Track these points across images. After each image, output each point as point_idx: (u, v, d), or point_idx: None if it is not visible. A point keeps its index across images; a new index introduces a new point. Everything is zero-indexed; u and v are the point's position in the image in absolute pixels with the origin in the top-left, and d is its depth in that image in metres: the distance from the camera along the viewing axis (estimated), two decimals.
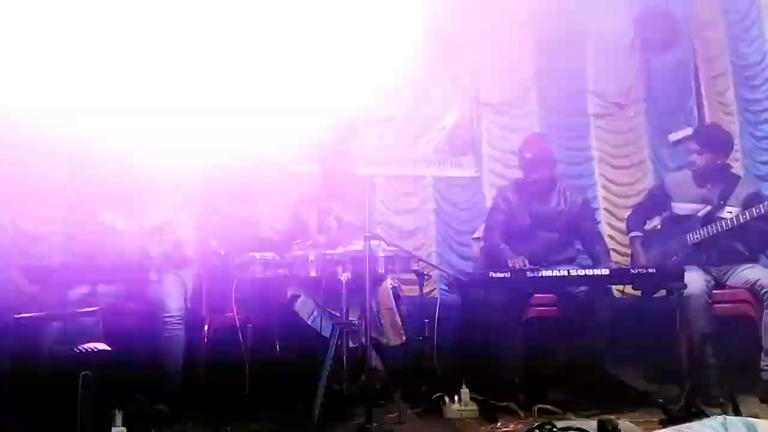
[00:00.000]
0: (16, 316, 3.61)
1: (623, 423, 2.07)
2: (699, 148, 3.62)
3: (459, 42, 4.89)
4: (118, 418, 2.63)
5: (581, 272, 3.16)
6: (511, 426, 2.76)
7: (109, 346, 2.16)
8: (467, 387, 3.08)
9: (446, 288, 4.36)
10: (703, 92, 4.95)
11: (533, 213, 3.70)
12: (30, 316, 2.37)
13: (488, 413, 2.97)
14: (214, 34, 4.01)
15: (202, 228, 4.39)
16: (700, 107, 5.01)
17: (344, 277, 2.90)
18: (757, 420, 1.44)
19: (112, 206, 3.64)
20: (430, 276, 4.07)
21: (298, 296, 3.21)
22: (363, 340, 2.91)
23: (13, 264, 4.06)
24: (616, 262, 3.88)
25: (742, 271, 3.46)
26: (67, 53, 4.00)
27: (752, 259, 3.55)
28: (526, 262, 3.43)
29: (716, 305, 3.38)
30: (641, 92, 5.06)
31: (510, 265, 3.39)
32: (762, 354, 3.27)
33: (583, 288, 3.38)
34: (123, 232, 3.60)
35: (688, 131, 4.84)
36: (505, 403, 3.05)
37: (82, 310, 2.61)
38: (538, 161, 3.67)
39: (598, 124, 5.02)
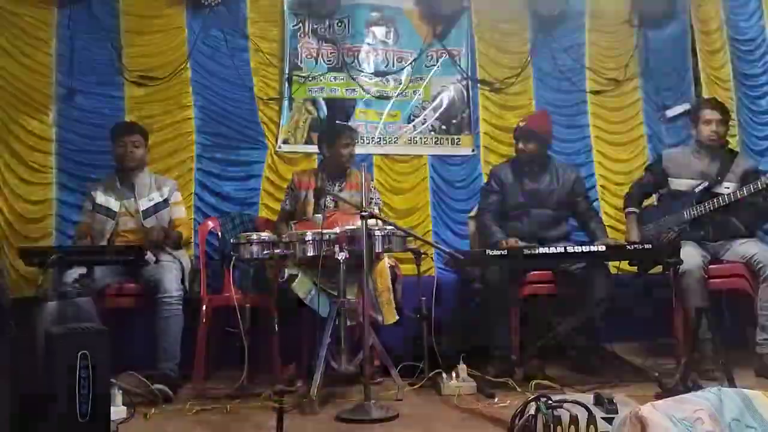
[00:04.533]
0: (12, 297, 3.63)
1: (619, 396, 2.09)
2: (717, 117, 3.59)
3: (455, 19, 4.84)
4: (118, 397, 2.66)
5: (578, 249, 3.17)
6: (508, 402, 2.78)
7: (106, 326, 2.16)
8: (464, 364, 3.11)
9: (443, 266, 4.37)
10: (700, 67, 4.93)
11: (527, 191, 3.70)
12: (26, 297, 2.37)
13: (485, 389, 2.99)
14: None
15: (199, 208, 4.40)
16: (697, 82, 4.99)
17: (341, 256, 2.91)
18: (751, 391, 1.45)
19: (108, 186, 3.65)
20: (427, 254, 4.07)
21: (296, 276, 3.22)
22: (360, 318, 2.92)
23: (9, 246, 4.08)
24: (613, 239, 3.88)
25: (738, 246, 3.48)
26: None
27: (748, 235, 3.56)
28: (518, 241, 3.44)
29: (712, 280, 3.39)
30: (638, 68, 5.03)
31: (500, 246, 3.40)
32: (757, 328, 3.29)
33: (579, 265, 3.40)
34: (119, 213, 3.60)
35: (686, 107, 4.83)
36: (502, 380, 3.08)
37: (79, 291, 2.61)
38: (530, 132, 3.67)
39: (595, 100, 4.99)
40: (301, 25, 4.67)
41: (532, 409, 1.83)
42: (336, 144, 3.71)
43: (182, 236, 3.73)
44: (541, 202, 3.70)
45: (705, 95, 4.73)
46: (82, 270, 3.07)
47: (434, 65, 4.84)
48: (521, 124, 3.76)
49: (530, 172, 3.73)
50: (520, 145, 3.71)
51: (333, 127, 4.03)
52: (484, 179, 4.63)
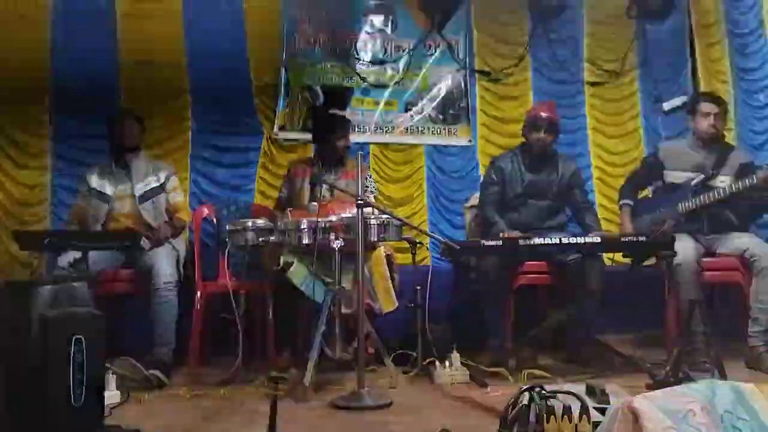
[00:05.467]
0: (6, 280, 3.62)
1: (611, 387, 2.10)
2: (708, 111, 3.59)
3: (454, 8, 4.82)
4: (112, 382, 2.66)
5: (573, 240, 3.17)
6: (501, 391, 2.80)
7: (100, 311, 2.16)
8: (458, 353, 3.12)
9: (438, 256, 4.37)
10: (698, 60, 4.93)
11: (527, 182, 3.70)
12: (20, 281, 2.36)
13: (478, 378, 3.00)
14: None
15: (195, 195, 4.39)
16: (694, 75, 4.99)
17: (337, 244, 2.91)
18: (743, 383, 1.46)
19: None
20: (422, 244, 4.08)
21: (291, 263, 3.22)
22: (355, 306, 2.93)
23: (4, 230, 4.06)
24: (608, 230, 3.89)
25: (732, 239, 3.49)
26: None
27: (743, 228, 3.57)
28: (518, 233, 3.45)
29: (706, 273, 3.40)
30: (636, 60, 5.03)
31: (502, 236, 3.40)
32: (749, 321, 3.31)
33: (574, 256, 3.40)
34: (114, 196, 3.59)
35: (683, 99, 4.83)
36: (495, 369, 3.09)
37: (73, 275, 2.60)
38: (552, 123, 3.67)
39: (592, 92, 4.99)
40: (298, 11, 4.64)
41: (525, 399, 1.83)
42: (329, 138, 3.69)
43: (185, 224, 3.72)
44: (539, 192, 3.70)
45: (702, 88, 4.73)
46: (77, 254, 3.06)
47: (432, 54, 4.82)
48: (542, 114, 3.66)
49: (532, 162, 3.72)
50: (541, 134, 3.64)
51: (325, 121, 4.00)
52: (481, 170, 4.64)
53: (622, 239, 3.24)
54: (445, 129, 4.82)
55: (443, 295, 3.98)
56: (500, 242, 3.13)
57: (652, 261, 3.24)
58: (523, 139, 3.77)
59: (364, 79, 4.70)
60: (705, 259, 3.45)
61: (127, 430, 2.11)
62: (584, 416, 1.77)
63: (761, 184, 3.35)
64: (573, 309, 3.23)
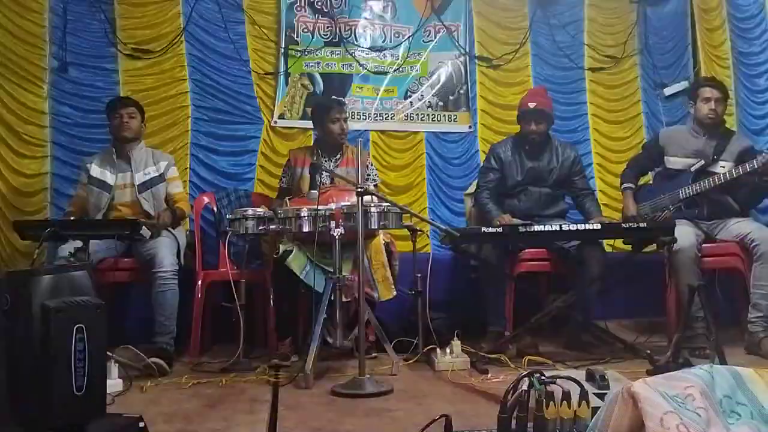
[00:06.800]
0: (7, 270, 3.62)
1: (611, 373, 2.11)
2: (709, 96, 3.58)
3: None
4: (114, 370, 2.67)
5: (573, 227, 3.17)
6: (501, 377, 2.81)
7: (102, 300, 2.16)
8: (458, 340, 3.13)
9: (439, 243, 4.37)
10: (699, 45, 4.90)
11: (526, 169, 3.70)
12: (21, 271, 2.36)
13: (479, 365, 3.01)
14: None
15: (195, 183, 4.38)
16: (695, 60, 4.96)
17: (337, 232, 2.91)
18: (742, 368, 1.47)
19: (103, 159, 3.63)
20: (423, 231, 4.08)
21: (291, 251, 3.22)
22: (356, 294, 2.93)
23: (4, 220, 4.06)
24: (608, 217, 3.88)
25: (732, 225, 3.49)
26: None
27: (743, 214, 3.57)
28: (511, 218, 3.46)
29: (706, 259, 3.41)
30: (637, 45, 5.00)
31: (495, 224, 3.41)
32: (749, 307, 3.32)
33: (574, 242, 3.41)
34: (115, 186, 3.58)
35: (684, 85, 4.81)
36: (495, 356, 3.11)
37: (74, 265, 2.60)
38: (541, 113, 3.65)
39: (593, 77, 4.97)
40: None
41: (524, 385, 1.84)
42: (326, 120, 3.69)
43: (185, 213, 3.72)
44: (539, 180, 3.70)
45: (703, 73, 4.70)
46: (78, 244, 3.06)
47: (432, 41, 4.79)
48: (531, 105, 3.65)
49: (531, 150, 3.72)
50: (532, 126, 3.65)
51: (322, 103, 4.00)
52: (481, 156, 4.62)
53: (623, 225, 3.23)
54: (445, 116, 4.80)
55: (444, 282, 3.99)
56: (500, 229, 3.14)
57: (652, 247, 3.24)
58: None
59: (363, 66, 4.67)
60: (705, 245, 3.45)
61: (129, 417, 2.12)
62: (583, 401, 1.78)
63: (761, 170, 3.34)
64: (573, 296, 3.23)
